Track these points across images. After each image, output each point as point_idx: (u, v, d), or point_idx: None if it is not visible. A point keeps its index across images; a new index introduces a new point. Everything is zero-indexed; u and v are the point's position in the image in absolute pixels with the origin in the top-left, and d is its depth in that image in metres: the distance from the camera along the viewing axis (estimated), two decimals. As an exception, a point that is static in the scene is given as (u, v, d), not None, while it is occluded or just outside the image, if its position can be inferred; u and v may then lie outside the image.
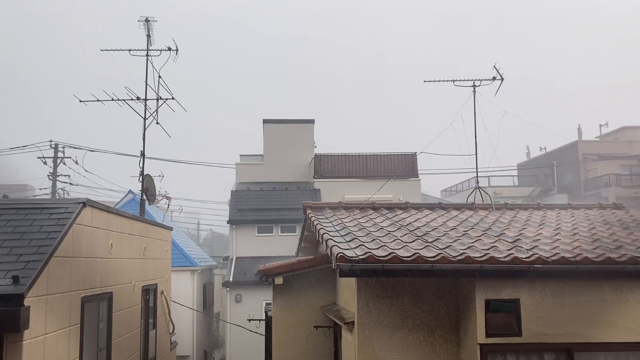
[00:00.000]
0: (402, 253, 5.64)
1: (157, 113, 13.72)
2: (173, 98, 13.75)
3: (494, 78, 10.46)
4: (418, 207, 9.10)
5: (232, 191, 23.82)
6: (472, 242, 6.21)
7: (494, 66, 10.43)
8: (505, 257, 5.56)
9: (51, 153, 26.88)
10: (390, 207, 9.01)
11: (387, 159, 24.72)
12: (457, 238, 6.49)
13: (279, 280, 8.50)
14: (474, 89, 10.62)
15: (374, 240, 6.34)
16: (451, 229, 7.12)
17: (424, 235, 6.69)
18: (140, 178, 13.72)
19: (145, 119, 13.70)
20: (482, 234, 6.78)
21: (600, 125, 42.83)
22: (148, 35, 13.91)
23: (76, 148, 26.20)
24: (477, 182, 10.88)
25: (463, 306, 5.98)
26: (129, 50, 13.73)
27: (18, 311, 5.76)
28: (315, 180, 24.13)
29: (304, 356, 8.44)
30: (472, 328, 5.67)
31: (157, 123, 13.73)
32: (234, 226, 21.92)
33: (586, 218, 8.49)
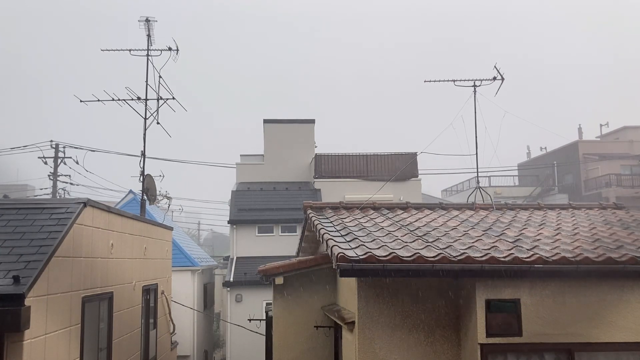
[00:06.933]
0: (402, 253, 5.65)
1: (157, 113, 13.73)
2: (173, 98, 13.76)
3: (495, 78, 10.44)
4: (419, 207, 9.10)
5: (232, 191, 23.80)
6: (473, 242, 6.21)
7: (495, 66, 10.43)
8: (506, 257, 5.56)
9: (52, 153, 26.90)
10: (391, 207, 9.01)
11: (387, 159, 24.68)
12: (458, 238, 6.49)
13: (279, 280, 8.50)
14: (475, 89, 10.60)
15: (374, 240, 6.34)
16: (452, 229, 7.12)
17: (425, 235, 6.69)
18: (141, 178, 13.72)
19: (145, 119, 13.70)
20: (483, 234, 6.78)
21: (601, 125, 42.83)
22: (148, 35, 13.89)
23: (77, 148, 26.31)
24: (478, 182, 10.87)
25: (463, 306, 5.98)
26: (130, 50, 13.73)
27: (19, 311, 5.76)
28: (315, 180, 24.10)
29: (305, 356, 8.43)
30: (473, 328, 5.67)
31: (158, 123, 13.73)
32: (234, 226, 21.91)
33: (587, 218, 8.49)
